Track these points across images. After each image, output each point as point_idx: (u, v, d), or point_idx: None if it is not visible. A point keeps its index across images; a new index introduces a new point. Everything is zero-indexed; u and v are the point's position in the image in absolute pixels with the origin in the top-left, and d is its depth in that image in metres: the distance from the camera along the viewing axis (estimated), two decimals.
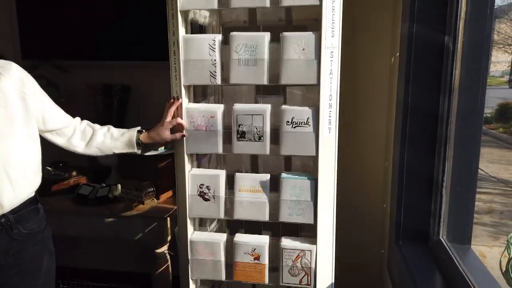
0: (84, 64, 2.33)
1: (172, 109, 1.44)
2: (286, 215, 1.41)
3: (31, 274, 1.32)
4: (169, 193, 1.99)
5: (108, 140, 1.45)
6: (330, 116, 1.33)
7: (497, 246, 3.01)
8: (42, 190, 2.02)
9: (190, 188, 1.48)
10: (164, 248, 1.89)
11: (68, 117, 1.43)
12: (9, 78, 1.24)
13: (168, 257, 1.93)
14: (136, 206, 1.87)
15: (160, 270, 1.94)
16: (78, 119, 1.47)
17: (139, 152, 1.48)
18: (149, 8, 2.18)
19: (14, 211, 1.25)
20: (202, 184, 1.46)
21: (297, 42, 1.31)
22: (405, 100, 1.48)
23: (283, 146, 1.38)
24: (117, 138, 1.46)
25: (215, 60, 1.37)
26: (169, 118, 1.44)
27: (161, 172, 1.93)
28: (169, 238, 1.90)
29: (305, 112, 1.35)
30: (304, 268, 1.42)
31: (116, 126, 2.23)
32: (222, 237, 1.52)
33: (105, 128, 1.48)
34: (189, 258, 1.51)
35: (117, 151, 1.47)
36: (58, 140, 1.41)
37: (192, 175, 1.47)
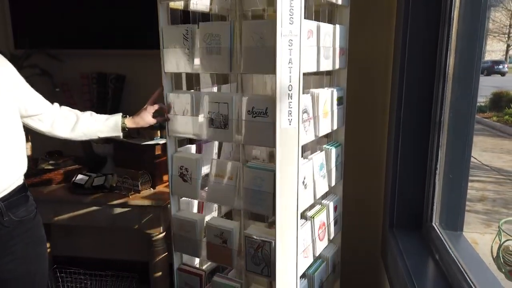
0: (78, 53, 2.31)
1: (155, 95, 1.55)
2: (248, 204, 1.40)
3: (24, 261, 1.33)
4: (164, 182, 1.99)
5: (93, 124, 1.50)
6: (290, 107, 1.23)
7: (489, 233, 3.06)
8: (37, 180, 2.03)
9: (173, 169, 1.56)
10: (160, 237, 1.91)
11: (47, 102, 1.45)
12: None
13: (165, 245, 1.95)
14: (132, 195, 1.87)
15: (157, 258, 1.95)
16: (56, 104, 1.49)
17: (121, 136, 1.55)
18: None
19: (4, 198, 1.27)
20: (182, 166, 1.53)
21: (254, 30, 1.25)
22: (400, 89, 1.50)
23: (244, 136, 1.35)
24: (102, 123, 1.52)
25: (188, 49, 1.42)
26: (151, 104, 1.54)
27: (157, 161, 1.93)
28: (163, 227, 1.91)
29: (264, 102, 1.28)
30: (264, 258, 1.38)
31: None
32: (200, 217, 1.58)
33: (88, 113, 1.52)
34: (173, 232, 1.61)
35: (101, 135, 1.53)
36: (41, 126, 1.44)
37: (174, 157, 1.56)
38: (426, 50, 1.45)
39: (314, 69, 1.35)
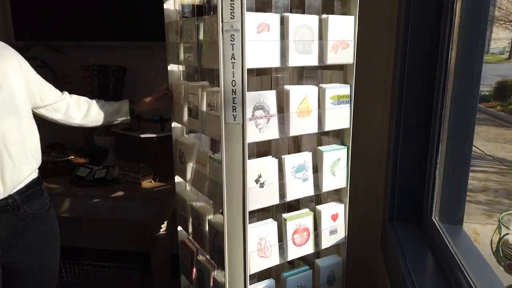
0: (79, 44, 2.30)
1: (162, 87, 1.66)
2: (210, 193, 1.44)
3: (37, 253, 1.37)
4: (165, 175, 2.00)
5: (103, 109, 1.57)
6: (234, 103, 1.22)
7: (490, 224, 3.06)
8: (39, 172, 2.03)
9: (176, 152, 1.68)
10: (162, 229, 1.92)
11: (58, 91, 1.49)
12: (6, 59, 1.28)
13: (166, 237, 1.96)
14: (133, 188, 1.89)
15: (159, 249, 1.97)
16: (66, 93, 1.52)
17: (128, 120, 1.64)
18: None
19: (20, 192, 1.30)
20: (180, 150, 1.64)
21: (208, 25, 1.26)
22: (401, 81, 1.48)
23: (204, 127, 1.40)
24: (111, 107, 1.59)
25: (177, 43, 1.53)
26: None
27: (158, 154, 1.94)
28: (164, 219, 1.92)
29: (215, 96, 1.29)
30: (220, 247, 1.40)
31: None
32: (191, 198, 1.66)
33: (96, 100, 1.59)
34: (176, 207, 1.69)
35: (111, 120, 1.60)
36: (56, 115, 1.48)
37: (177, 142, 1.68)
38: (428, 41, 1.43)
39: (275, 65, 1.28)
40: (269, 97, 1.29)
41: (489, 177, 3.71)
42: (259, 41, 1.22)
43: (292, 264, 1.66)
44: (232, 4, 1.15)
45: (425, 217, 1.50)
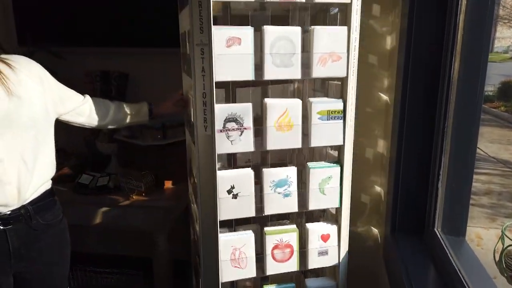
0: (81, 51, 2.30)
1: (178, 92, 1.70)
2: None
3: (48, 263, 1.39)
4: (168, 182, 2.01)
5: (124, 111, 1.62)
6: (205, 115, 1.27)
7: (493, 228, 3.04)
8: None
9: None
10: (163, 237, 1.93)
11: (80, 95, 1.52)
12: (28, 73, 1.29)
13: (168, 244, 1.97)
14: (135, 196, 1.89)
15: (160, 255, 1.98)
16: (87, 96, 1.56)
17: (147, 121, 1.69)
18: None
19: (33, 202, 1.31)
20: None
21: (190, 39, 1.29)
22: (403, 92, 1.48)
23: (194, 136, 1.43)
24: (130, 108, 1.64)
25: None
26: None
27: (161, 161, 1.94)
28: (167, 227, 1.93)
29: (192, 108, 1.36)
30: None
31: None
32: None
33: (116, 102, 1.64)
34: None
35: (129, 121, 1.65)
36: (79, 119, 1.51)
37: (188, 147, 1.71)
38: (431, 50, 1.42)
39: (248, 78, 1.28)
40: (243, 110, 1.31)
41: (492, 180, 3.68)
42: (228, 54, 1.24)
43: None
44: (201, 19, 1.20)
45: (428, 228, 1.50)
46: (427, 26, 1.42)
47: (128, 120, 1.64)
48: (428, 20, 1.41)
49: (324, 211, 1.63)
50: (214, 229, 1.36)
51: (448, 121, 1.39)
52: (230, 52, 1.24)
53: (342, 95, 1.42)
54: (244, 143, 1.32)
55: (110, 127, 1.63)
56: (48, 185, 1.39)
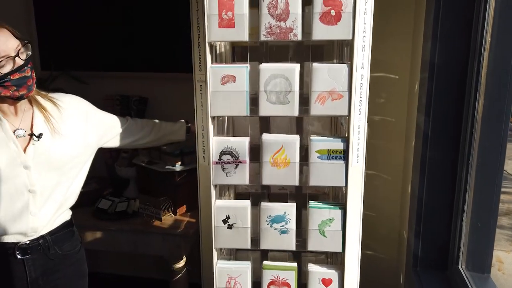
0: (102, 75, 2.34)
1: None
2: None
3: None
4: (184, 208, 2.01)
5: (163, 130, 1.68)
6: (203, 146, 1.35)
7: None
8: None
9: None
10: (181, 263, 1.92)
11: (122, 118, 1.58)
12: (72, 111, 1.35)
13: (185, 269, 1.96)
14: (153, 222, 1.90)
15: (178, 278, 1.97)
16: (129, 117, 1.62)
17: (184, 139, 1.73)
18: (165, 22, 2.17)
19: (52, 232, 1.33)
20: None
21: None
22: (426, 126, 1.46)
23: None
24: (170, 127, 1.71)
25: None
26: None
27: (179, 187, 1.95)
28: (184, 253, 1.92)
29: None
30: None
31: None
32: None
33: (155, 121, 1.69)
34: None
35: (169, 139, 1.71)
36: (123, 142, 1.57)
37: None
38: (455, 86, 1.41)
39: (242, 114, 1.31)
40: (240, 144, 1.33)
41: None
42: (223, 91, 1.29)
43: None
44: (199, 58, 1.27)
45: (451, 264, 1.46)
46: (450, 58, 1.40)
47: (167, 138, 1.70)
48: (452, 53, 1.40)
49: None
50: (210, 256, 1.40)
51: (472, 156, 1.36)
52: (225, 89, 1.29)
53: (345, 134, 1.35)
54: (239, 176, 1.35)
55: (151, 145, 1.71)
56: (68, 215, 1.40)
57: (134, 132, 1.59)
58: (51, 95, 1.35)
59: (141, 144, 1.64)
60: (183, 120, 1.75)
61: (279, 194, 1.54)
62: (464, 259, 1.42)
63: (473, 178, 1.36)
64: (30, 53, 1.22)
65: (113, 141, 1.53)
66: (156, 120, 1.69)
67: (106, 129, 1.48)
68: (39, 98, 1.30)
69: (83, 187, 2.13)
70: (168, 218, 1.94)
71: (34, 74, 1.24)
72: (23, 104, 1.27)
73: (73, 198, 1.40)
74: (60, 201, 1.32)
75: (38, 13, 2.33)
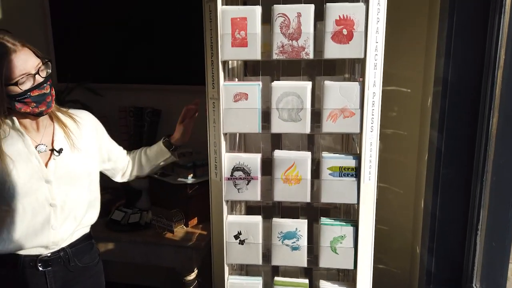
0: (117, 87, 2.38)
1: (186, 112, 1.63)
2: None
3: None
4: (195, 220, 2.02)
5: (148, 156, 1.61)
6: (216, 162, 1.37)
7: None
8: None
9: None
10: (193, 275, 1.93)
11: (124, 152, 1.60)
12: (89, 128, 1.41)
13: (196, 282, 1.97)
14: (165, 234, 1.91)
15: None
16: (127, 152, 1.63)
17: (174, 156, 1.62)
18: (179, 35, 2.21)
19: (72, 245, 1.36)
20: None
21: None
22: (439, 143, 1.45)
23: None
24: (153, 150, 1.62)
25: None
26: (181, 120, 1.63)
27: (190, 199, 1.96)
28: (195, 266, 1.93)
29: None
30: None
31: None
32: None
33: (139, 150, 1.64)
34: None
35: (158, 162, 1.62)
36: (117, 177, 1.60)
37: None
38: (469, 102, 1.40)
39: (254, 131, 1.32)
40: (251, 160, 1.35)
41: None
42: (235, 108, 1.30)
43: None
44: (212, 76, 1.29)
45: (465, 283, 1.44)
46: (464, 74, 1.40)
47: (155, 163, 1.61)
48: (466, 69, 1.39)
49: None
50: (222, 271, 1.41)
51: (487, 173, 1.35)
52: (238, 106, 1.30)
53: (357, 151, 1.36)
54: (251, 192, 1.37)
55: (143, 176, 1.68)
56: (87, 228, 1.44)
57: (130, 168, 1.62)
58: (71, 111, 1.40)
59: (135, 175, 1.64)
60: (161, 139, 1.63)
61: (290, 208, 1.54)
62: (479, 277, 1.40)
63: (487, 195, 1.34)
64: (50, 71, 1.26)
65: (111, 173, 1.58)
66: (140, 151, 1.63)
67: (110, 157, 1.52)
68: (59, 114, 1.34)
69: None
70: (180, 230, 1.95)
71: (53, 91, 1.28)
72: (44, 120, 1.31)
73: (93, 216, 1.44)
74: (80, 216, 1.35)
75: (55, 27, 2.39)
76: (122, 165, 1.59)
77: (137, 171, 1.62)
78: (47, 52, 2.41)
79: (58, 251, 1.33)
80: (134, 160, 1.62)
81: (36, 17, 2.39)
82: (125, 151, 1.61)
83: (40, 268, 1.30)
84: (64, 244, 1.34)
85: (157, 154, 1.61)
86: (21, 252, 1.28)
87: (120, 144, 1.62)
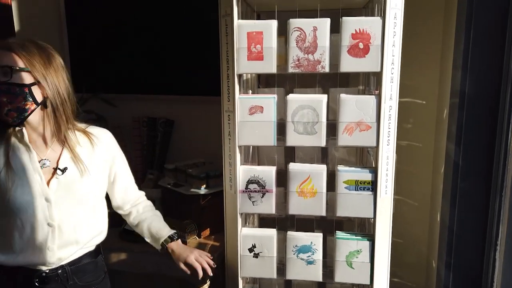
0: (131, 97, 2.40)
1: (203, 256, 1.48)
2: None
3: None
4: (207, 231, 2.01)
5: (150, 230, 1.52)
6: (230, 175, 1.38)
7: None
8: None
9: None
10: (205, 286, 1.92)
11: (136, 194, 1.54)
12: (102, 149, 1.32)
13: None
14: None
15: None
16: (142, 194, 1.57)
17: (160, 251, 1.51)
18: (193, 46, 2.22)
19: (72, 263, 1.29)
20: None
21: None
22: (456, 154, 1.43)
23: None
24: (151, 229, 1.52)
25: None
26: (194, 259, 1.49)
27: (203, 210, 1.96)
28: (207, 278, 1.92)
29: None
30: None
31: (159, 158, 2.31)
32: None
33: (154, 215, 1.56)
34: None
35: (144, 236, 1.54)
36: (115, 204, 1.52)
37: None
38: (487, 116, 1.38)
39: (269, 144, 1.32)
40: (266, 173, 1.35)
41: None
42: (250, 121, 1.31)
43: None
44: (228, 89, 1.30)
45: None
46: (481, 87, 1.38)
47: (145, 239, 1.54)
48: (483, 82, 1.37)
49: None
50: (236, 285, 1.41)
51: (506, 188, 1.32)
52: (253, 119, 1.31)
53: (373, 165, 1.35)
54: (266, 205, 1.37)
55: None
56: (92, 247, 1.37)
57: (134, 211, 1.54)
58: (90, 129, 1.32)
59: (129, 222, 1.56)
60: (171, 231, 1.52)
61: (304, 219, 1.53)
62: None
63: (506, 210, 1.31)
64: (25, 83, 1.16)
65: (112, 195, 1.47)
66: (152, 216, 1.54)
67: (117, 184, 1.44)
68: (71, 134, 1.26)
69: (109, 208, 2.18)
70: (192, 241, 1.94)
71: (27, 109, 1.16)
72: (53, 137, 1.24)
73: (98, 238, 1.37)
74: (83, 240, 1.29)
75: (71, 39, 2.43)
76: (135, 202, 1.54)
77: (129, 222, 1.57)
78: (64, 62, 2.45)
79: (56, 268, 1.26)
80: (136, 216, 1.55)
81: (53, 29, 2.44)
82: (138, 194, 1.55)
83: (37, 284, 1.25)
84: (64, 262, 1.28)
85: (151, 237, 1.52)
86: (20, 265, 1.24)
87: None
